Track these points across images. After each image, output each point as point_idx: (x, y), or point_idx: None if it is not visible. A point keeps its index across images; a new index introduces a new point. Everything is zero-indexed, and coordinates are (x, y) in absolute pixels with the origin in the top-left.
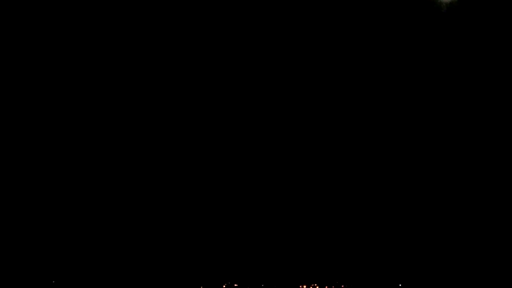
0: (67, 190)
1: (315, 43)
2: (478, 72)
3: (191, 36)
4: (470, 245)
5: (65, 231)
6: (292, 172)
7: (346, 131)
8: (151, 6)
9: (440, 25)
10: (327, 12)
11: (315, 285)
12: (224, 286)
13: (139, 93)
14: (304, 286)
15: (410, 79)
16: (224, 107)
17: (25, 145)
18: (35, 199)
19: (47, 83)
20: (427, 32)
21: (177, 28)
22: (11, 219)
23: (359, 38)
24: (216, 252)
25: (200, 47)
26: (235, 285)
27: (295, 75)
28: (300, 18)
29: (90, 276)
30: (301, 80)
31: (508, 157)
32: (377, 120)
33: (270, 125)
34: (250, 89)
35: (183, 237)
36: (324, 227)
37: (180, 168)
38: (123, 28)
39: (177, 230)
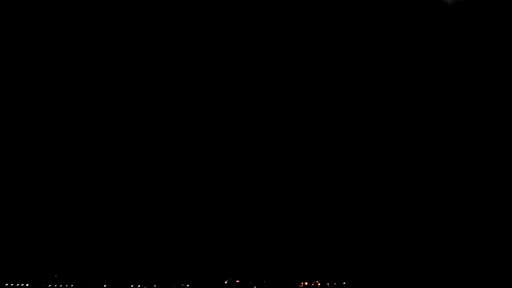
0: (66, 189)
1: (317, 44)
2: (479, 72)
3: (191, 36)
4: (470, 245)
5: (64, 230)
6: (295, 171)
7: (346, 131)
8: (151, 6)
9: (440, 25)
10: (328, 12)
11: (317, 281)
12: (226, 282)
13: (139, 93)
14: (306, 283)
15: (411, 79)
16: (224, 107)
17: (25, 145)
18: (34, 199)
19: (47, 83)
20: (427, 31)
21: (177, 28)
22: (11, 219)
23: (360, 38)
24: (218, 249)
25: (200, 47)
26: (237, 281)
27: (295, 75)
28: (301, 18)
29: (93, 272)
30: (301, 80)
31: (508, 157)
32: (377, 120)
33: (270, 125)
34: (250, 89)
35: (185, 234)
36: (325, 225)
37: (180, 167)
38: (123, 28)
39: (179, 227)
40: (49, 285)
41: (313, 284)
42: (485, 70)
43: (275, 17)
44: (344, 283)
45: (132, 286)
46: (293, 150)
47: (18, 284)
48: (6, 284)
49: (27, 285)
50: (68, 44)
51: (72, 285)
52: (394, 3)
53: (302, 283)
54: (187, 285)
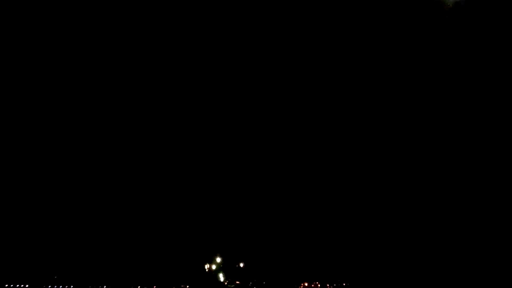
0: (67, 190)
1: (317, 44)
2: (478, 72)
3: (191, 36)
4: (470, 245)
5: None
6: (296, 172)
7: (346, 131)
8: (151, 6)
9: (440, 25)
10: (328, 12)
11: (317, 283)
12: (226, 283)
13: (139, 93)
14: (306, 284)
15: (411, 78)
16: (224, 107)
17: (25, 146)
18: (34, 199)
19: (47, 83)
20: (427, 31)
21: (177, 28)
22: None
23: (360, 38)
24: (218, 250)
25: (200, 47)
26: (237, 282)
27: (295, 76)
28: (301, 19)
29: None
30: (302, 81)
31: (508, 157)
32: (378, 120)
33: (270, 125)
34: (250, 90)
35: (186, 235)
36: (325, 227)
37: (181, 168)
38: (123, 28)
39: (179, 229)
40: (49, 286)
41: (313, 285)
42: (484, 70)
43: (275, 18)
44: (344, 284)
45: (132, 287)
46: (294, 156)
47: (18, 285)
48: (6, 285)
49: (27, 286)
50: (68, 45)
51: (71, 287)
52: (394, 3)
53: (302, 284)
54: (187, 286)
